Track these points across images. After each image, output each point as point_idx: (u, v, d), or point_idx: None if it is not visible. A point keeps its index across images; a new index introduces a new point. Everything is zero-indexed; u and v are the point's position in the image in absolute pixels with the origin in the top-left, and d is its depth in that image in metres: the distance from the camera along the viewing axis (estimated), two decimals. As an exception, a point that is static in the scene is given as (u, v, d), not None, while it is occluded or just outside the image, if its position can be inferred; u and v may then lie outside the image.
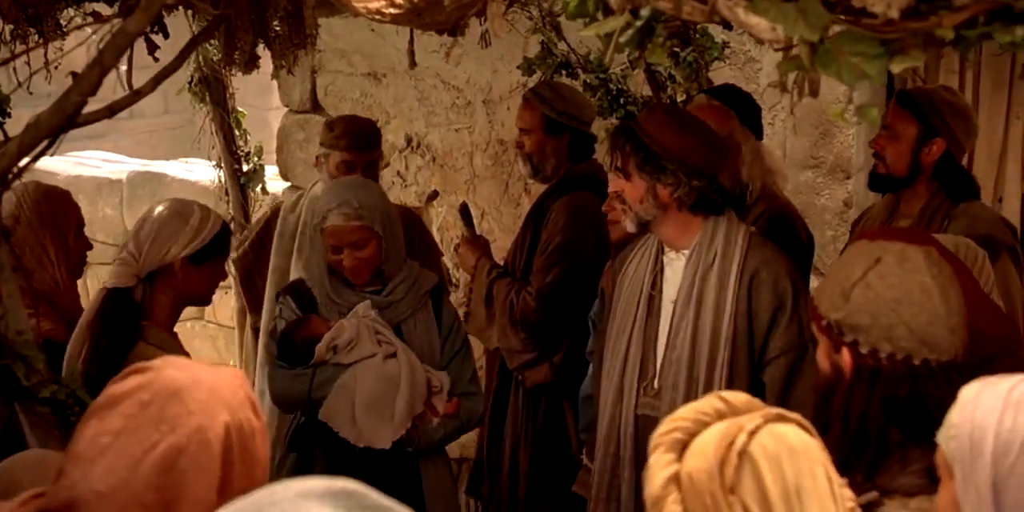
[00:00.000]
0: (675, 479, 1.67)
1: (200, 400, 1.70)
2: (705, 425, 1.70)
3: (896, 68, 1.57)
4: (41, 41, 3.15)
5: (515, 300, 4.35)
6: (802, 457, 1.65)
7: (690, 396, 3.17)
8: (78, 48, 3.24)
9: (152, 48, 3.26)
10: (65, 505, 1.67)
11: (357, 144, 4.57)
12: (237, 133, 5.90)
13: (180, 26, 3.49)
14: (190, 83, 5.65)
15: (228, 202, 6.03)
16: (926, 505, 1.96)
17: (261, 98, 10.97)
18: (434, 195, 6.08)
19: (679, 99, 4.71)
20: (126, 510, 1.65)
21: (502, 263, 4.57)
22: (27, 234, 3.70)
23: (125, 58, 2.38)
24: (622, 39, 1.72)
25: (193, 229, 3.22)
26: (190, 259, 3.22)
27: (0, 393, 2.38)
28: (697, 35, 4.58)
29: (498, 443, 4.56)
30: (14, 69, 3.17)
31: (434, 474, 3.80)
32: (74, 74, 2.19)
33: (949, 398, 1.76)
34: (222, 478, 1.69)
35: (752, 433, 1.66)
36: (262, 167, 6.07)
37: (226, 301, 6.17)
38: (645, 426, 3.26)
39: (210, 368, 1.80)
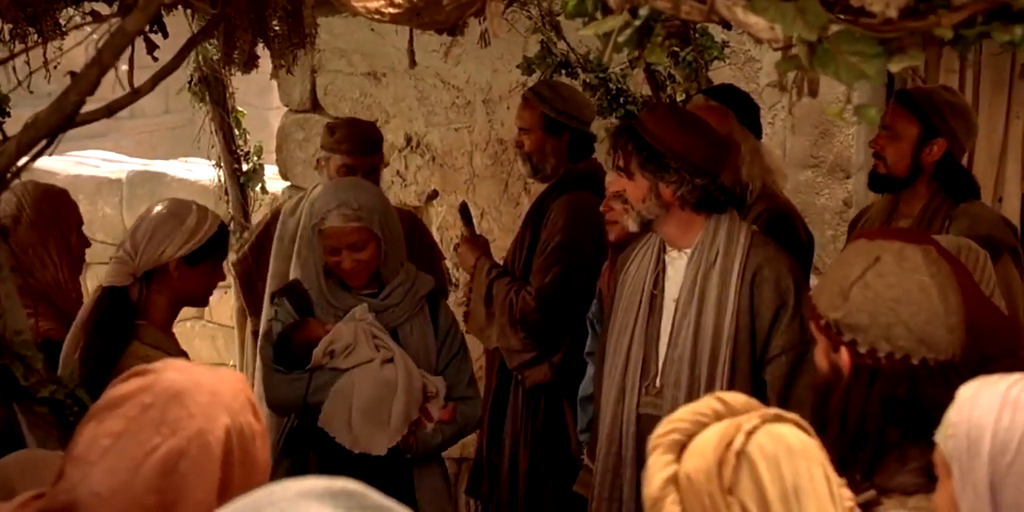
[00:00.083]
0: (673, 480, 1.67)
1: (201, 403, 1.70)
2: (703, 426, 1.70)
3: (895, 67, 1.57)
4: (40, 40, 3.15)
5: (515, 300, 4.35)
6: (800, 457, 1.65)
7: (692, 395, 3.17)
8: (77, 47, 3.24)
9: (151, 48, 3.26)
10: (65, 507, 1.67)
11: (359, 148, 4.55)
12: (237, 133, 5.90)
13: (180, 25, 3.49)
14: (190, 83, 5.65)
15: (228, 202, 6.04)
16: (924, 504, 1.96)
17: (261, 98, 10.97)
18: (434, 195, 6.08)
19: (679, 99, 4.71)
20: (126, 512, 1.65)
21: (502, 263, 4.57)
22: (29, 234, 3.70)
23: (125, 58, 2.38)
24: (621, 38, 1.72)
25: (189, 230, 3.20)
26: (186, 260, 3.21)
27: (-2, 393, 2.39)
28: (697, 34, 4.58)
29: (498, 443, 4.56)
30: (13, 68, 3.17)
31: (428, 480, 3.77)
32: (73, 74, 2.19)
33: (947, 397, 1.76)
34: (222, 481, 1.69)
35: (750, 433, 1.65)
36: (262, 167, 6.07)
37: (226, 301, 6.17)
38: (647, 425, 3.26)
39: (211, 371, 1.80)
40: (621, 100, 4.94)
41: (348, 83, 6.35)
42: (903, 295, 2.08)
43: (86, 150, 8.36)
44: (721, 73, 4.86)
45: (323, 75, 6.41)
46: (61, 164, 7.57)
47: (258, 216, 5.95)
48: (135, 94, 2.37)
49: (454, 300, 5.35)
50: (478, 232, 4.84)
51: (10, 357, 2.33)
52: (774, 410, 1.72)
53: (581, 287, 4.23)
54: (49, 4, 3.08)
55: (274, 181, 6.57)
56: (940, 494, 1.76)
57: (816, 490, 1.64)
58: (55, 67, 3.34)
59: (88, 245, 3.92)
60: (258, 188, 6.07)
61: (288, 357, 3.69)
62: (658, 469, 1.69)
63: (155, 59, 3.04)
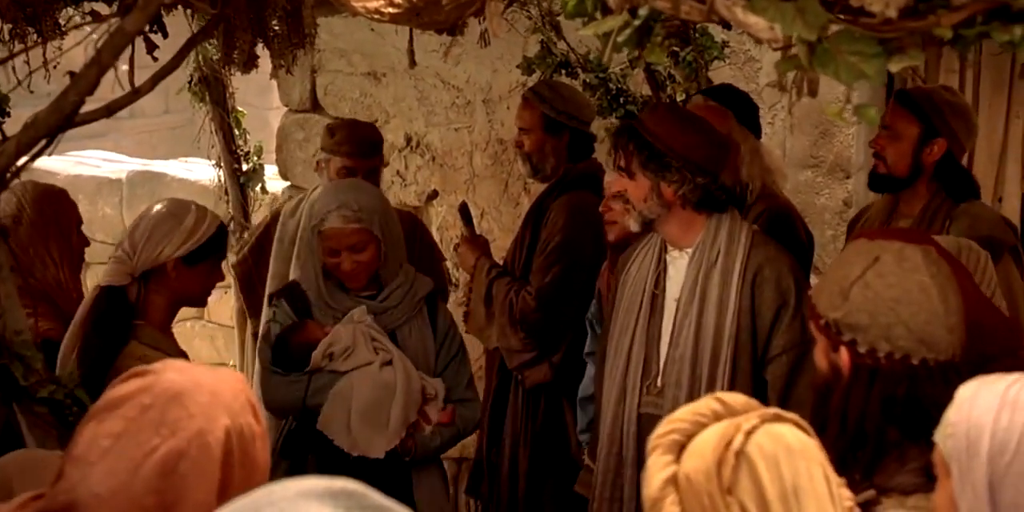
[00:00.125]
0: (673, 480, 1.67)
1: (201, 404, 1.70)
2: (702, 426, 1.70)
3: (894, 67, 1.57)
4: (40, 40, 3.15)
5: (514, 299, 4.35)
6: (799, 457, 1.65)
7: (693, 394, 3.17)
8: (77, 47, 3.24)
9: (151, 47, 3.26)
10: (64, 507, 1.66)
11: (359, 150, 4.52)
12: (237, 133, 5.90)
13: (179, 25, 3.49)
14: (190, 82, 5.65)
15: (228, 202, 6.04)
16: (923, 503, 1.96)
17: (261, 97, 10.97)
18: (434, 195, 6.08)
19: (679, 98, 4.71)
20: (125, 513, 1.65)
21: (502, 263, 4.57)
22: (30, 233, 3.70)
23: (125, 58, 2.38)
24: (620, 38, 1.72)
25: (187, 230, 3.19)
26: (183, 260, 3.19)
27: (-2, 393, 2.39)
28: (697, 34, 4.58)
29: (498, 443, 4.56)
30: (13, 68, 3.17)
31: (427, 483, 3.76)
32: (72, 74, 2.19)
33: (947, 397, 1.76)
34: (222, 482, 1.69)
35: (749, 433, 1.65)
36: (262, 166, 6.07)
37: (226, 301, 6.17)
38: (648, 425, 3.26)
39: (211, 371, 1.79)
40: (621, 100, 4.94)
41: (348, 83, 6.35)
42: (903, 295, 2.08)
43: (86, 150, 8.36)
44: (721, 73, 4.86)
45: (323, 75, 6.41)
46: (61, 164, 7.57)
47: (258, 216, 5.95)
48: (135, 94, 2.37)
49: (454, 300, 5.35)
50: (478, 232, 4.83)
51: (10, 357, 2.33)
52: (773, 410, 1.72)
53: (581, 287, 4.23)
54: (49, 4, 3.08)
55: (274, 181, 6.57)
56: (939, 494, 1.76)
57: (815, 490, 1.64)
58: (55, 67, 3.34)
59: (87, 244, 3.93)
60: (258, 188, 6.07)
61: (286, 359, 3.67)
62: (657, 470, 1.68)
63: (155, 59, 3.04)
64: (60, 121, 2.17)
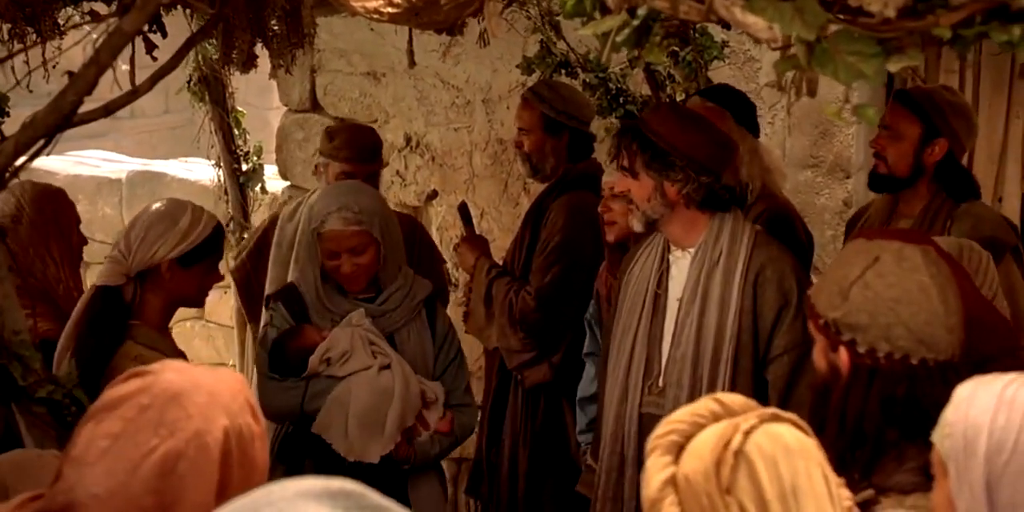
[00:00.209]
0: (672, 481, 1.67)
1: (199, 404, 1.70)
2: (701, 427, 1.70)
3: (893, 67, 1.57)
4: (39, 40, 3.15)
5: (514, 299, 4.34)
6: (798, 457, 1.65)
7: (694, 394, 3.17)
8: (76, 47, 3.24)
9: (150, 47, 3.26)
10: (62, 508, 1.66)
11: (359, 155, 4.46)
12: (236, 132, 5.90)
13: (179, 25, 3.49)
14: (189, 82, 5.65)
15: (228, 201, 6.04)
16: (922, 502, 1.96)
17: (261, 97, 10.98)
18: (433, 194, 6.08)
19: (678, 98, 4.71)
20: (123, 514, 1.65)
21: (501, 263, 4.57)
22: (30, 233, 3.71)
23: (125, 58, 2.38)
24: (619, 38, 1.72)
25: (181, 232, 3.18)
26: (178, 261, 3.19)
27: (-3, 393, 2.39)
28: (696, 34, 4.58)
29: (497, 443, 4.55)
30: (12, 68, 3.17)
31: (424, 487, 3.74)
32: (70, 73, 2.19)
33: (946, 397, 1.76)
34: (220, 482, 1.68)
35: (747, 433, 1.65)
36: (261, 166, 6.07)
37: (225, 301, 6.16)
38: (649, 425, 3.25)
39: (210, 372, 1.79)
40: (621, 100, 4.94)
41: (348, 83, 6.35)
42: (903, 295, 2.08)
43: (86, 150, 8.36)
44: (721, 73, 4.86)
45: (323, 75, 6.41)
46: (61, 164, 7.57)
47: (258, 216, 5.95)
48: (133, 94, 2.37)
49: (454, 301, 5.35)
50: (478, 232, 4.83)
51: (8, 357, 2.33)
52: (771, 410, 1.72)
53: (580, 287, 4.23)
54: (48, 4, 3.08)
55: (274, 181, 6.56)
56: (937, 494, 1.77)
57: (814, 490, 1.64)
58: (54, 67, 3.34)
59: (85, 243, 3.93)
60: (258, 188, 6.07)
61: (283, 364, 3.63)
62: (656, 470, 1.68)
63: (154, 59, 3.05)
64: (58, 121, 2.17)
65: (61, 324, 3.40)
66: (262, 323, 4.06)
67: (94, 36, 2.72)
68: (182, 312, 3.45)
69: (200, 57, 5.42)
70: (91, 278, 5.89)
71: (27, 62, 3.26)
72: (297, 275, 4.28)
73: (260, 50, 3.42)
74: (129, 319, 3.19)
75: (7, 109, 3.83)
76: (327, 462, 3.54)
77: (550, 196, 4.46)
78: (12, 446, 2.30)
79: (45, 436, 2.40)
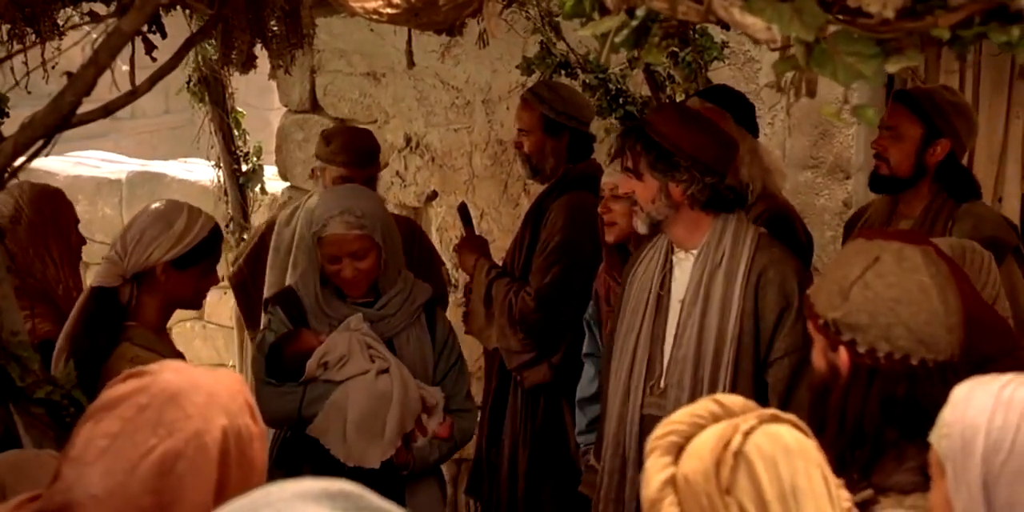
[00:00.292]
0: (671, 482, 1.67)
1: (198, 404, 1.70)
2: (700, 427, 1.70)
3: (892, 68, 1.57)
4: (38, 40, 3.15)
5: (514, 300, 4.34)
6: (798, 457, 1.65)
7: (695, 396, 3.16)
8: (75, 47, 3.24)
9: (149, 48, 3.26)
10: (61, 508, 1.66)
11: (356, 160, 4.41)
12: (236, 133, 5.90)
13: (178, 26, 3.49)
14: (188, 83, 5.65)
15: (227, 202, 6.04)
16: (921, 502, 1.96)
17: (261, 98, 10.97)
18: (433, 195, 6.07)
19: (678, 99, 4.71)
20: (122, 514, 1.65)
21: (501, 263, 4.57)
22: (29, 234, 3.71)
23: (124, 58, 2.38)
24: (618, 39, 1.72)
25: (176, 234, 3.16)
26: (173, 263, 3.18)
27: (-4, 394, 2.39)
28: (696, 35, 4.58)
29: (497, 443, 4.56)
30: (12, 68, 3.17)
31: (423, 491, 3.72)
32: (69, 74, 2.19)
33: (946, 398, 1.76)
34: (219, 483, 1.68)
35: (747, 434, 1.65)
36: (261, 167, 6.07)
37: (225, 302, 6.16)
38: (650, 426, 3.25)
39: (209, 372, 1.79)
40: (621, 100, 4.93)
41: (347, 83, 6.35)
42: (903, 295, 2.08)
43: (86, 150, 8.35)
44: (720, 73, 4.86)
45: (322, 75, 6.41)
46: (61, 164, 7.57)
47: (258, 217, 5.95)
48: (133, 94, 2.37)
49: (454, 302, 5.35)
50: (477, 233, 4.83)
51: (6, 358, 2.33)
52: (771, 411, 1.72)
53: (580, 287, 4.23)
54: (47, 4, 3.08)
55: (274, 181, 6.56)
56: (935, 494, 1.77)
57: (814, 490, 1.64)
58: (53, 67, 3.34)
59: (84, 243, 3.93)
60: (257, 188, 6.06)
61: (281, 369, 3.61)
62: (656, 471, 1.68)
63: (154, 59, 3.04)
64: (58, 121, 2.17)
65: (60, 325, 3.39)
66: (261, 327, 4.03)
67: (93, 36, 2.72)
68: (181, 313, 3.44)
69: (200, 57, 5.42)
70: (90, 279, 5.92)
71: (26, 63, 3.26)
72: (296, 279, 4.25)
73: (260, 50, 3.42)
74: (125, 320, 3.18)
75: (6, 109, 3.84)
76: (326, 467, 3.51)
77: (550, 197, 4.46)
78: (10, 446, 2.30)
79: (43, 436, 2.40)
